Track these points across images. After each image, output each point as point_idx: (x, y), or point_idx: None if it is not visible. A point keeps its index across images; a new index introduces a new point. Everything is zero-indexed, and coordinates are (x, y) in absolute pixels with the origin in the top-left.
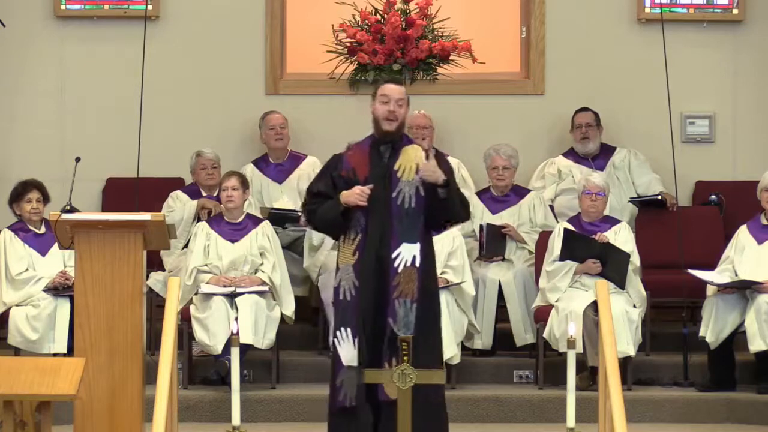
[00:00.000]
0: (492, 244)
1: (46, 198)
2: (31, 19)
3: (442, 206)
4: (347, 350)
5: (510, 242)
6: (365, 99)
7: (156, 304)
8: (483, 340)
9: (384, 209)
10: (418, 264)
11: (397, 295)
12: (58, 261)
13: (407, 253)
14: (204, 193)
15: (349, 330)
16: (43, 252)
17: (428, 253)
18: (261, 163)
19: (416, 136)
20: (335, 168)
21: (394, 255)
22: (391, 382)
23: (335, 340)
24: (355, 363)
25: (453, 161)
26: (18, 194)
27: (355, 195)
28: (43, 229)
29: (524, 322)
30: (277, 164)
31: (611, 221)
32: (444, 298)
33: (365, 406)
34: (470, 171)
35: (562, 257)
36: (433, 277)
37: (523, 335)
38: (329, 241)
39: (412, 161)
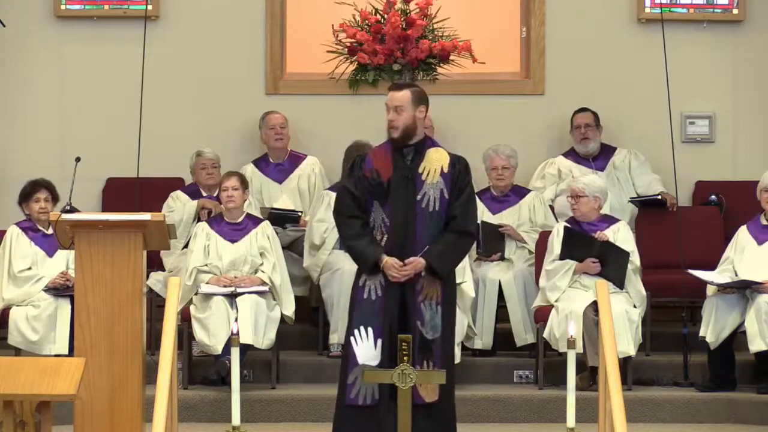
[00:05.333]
0: (488, 242)
1: (55, 198)
2: (31, 19)
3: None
4: (366, 349)
5: (510, 242)
6: (365, 99)
7: (156, 304)
8: (483, 341)
9: (407, 211)
10: None
11: (422, 298)
12: (64, 263)
13: None
14: (204, 193)
15: (370, 330)
16: (50, 253)
17: None
18: (261, 163)
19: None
20: (359, 168)
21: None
22: (391, 381)
23: (352, 338)
24: (374, 363)
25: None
26: (27, 194)
27: (393, 271)
28: (52, 230)
29: (524, 322)
30: (277, 164)
31: (610, 220)
32: None
33: (390, 405)
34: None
35: (563, 256)
36: (453, 278)
37: (523, 335)
38: (331, 241)
39: (437, 164)
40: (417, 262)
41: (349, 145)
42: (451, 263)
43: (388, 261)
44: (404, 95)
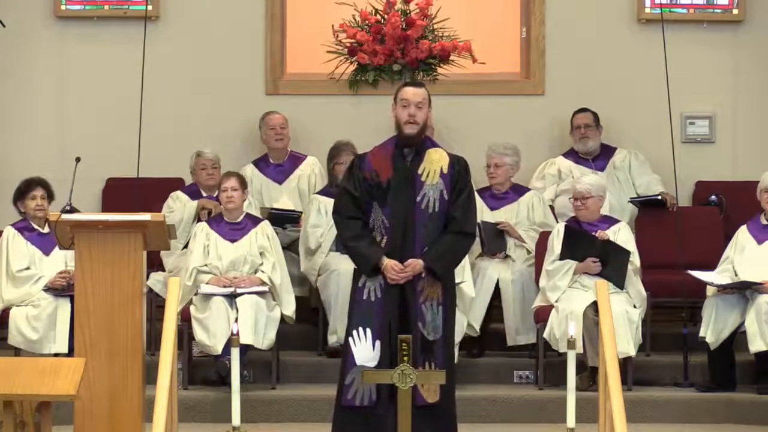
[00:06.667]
0: (491, 241)
1: (50, 195)
2: (31, 19)
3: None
4: (363, 350)
5: (508, 240)
6: (365, 99)
7: (156, 304)
8: (471, 328)
9: (407, 212)
10: None
11: (423, 299)
12: (61, 261)
13: None
14: (204, 194)
15: (368, 330)
16: (46, 252)
17: None
18: (261, 163)
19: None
20: (359, 169)
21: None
22: (391, 381)
23: (350, 338)
24: (372, 364)
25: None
26: (22, 192)
27: (393, 273)
28: (47, 229)
29: (522, 321)
30: (277, 164)
31: (610, 221)
32: None
33: (388, 407)
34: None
35: (563, 255)
36: (452, 279)
37: (514, 335)
38: (327, 243)
39: (437, 165)
40: (415, 263)
41: (332, 146)
42: (450, 264)
43: (388, 263)
44: (423, 92)
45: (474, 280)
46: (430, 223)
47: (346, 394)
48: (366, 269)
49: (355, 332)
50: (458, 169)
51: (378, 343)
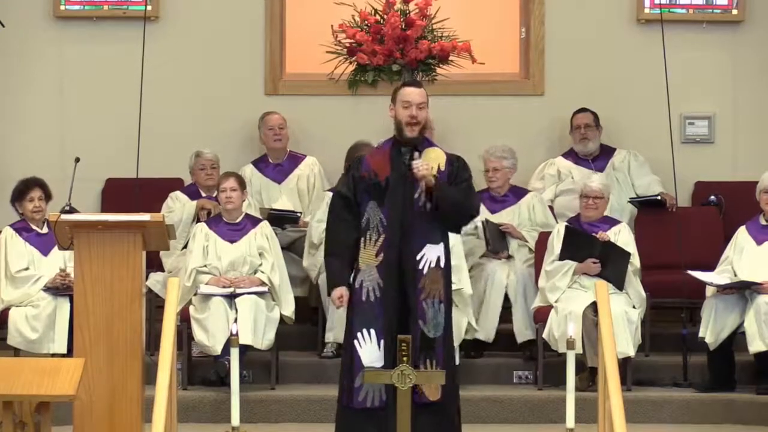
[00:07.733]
0: (495, 241)
1: (48, 196)
2: (31, 19)
3: (441, 206)
4: (370, 351)
5: (512, 241)
6: (364, 100)
7: (155, 304)
8: (485, 334)
9: (405, 210)
10: (442, 264)
11: (424, 297)
12: (60, 261)
13: (431, 254)
14: (203, 194)
15: (373, 331)
16: (45, 252)
17: (447, 253)
18: (260, 163)
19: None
20: (356, 170)
21: (418, 257)
22: (390, 382)
23: (355, 341)
24: (379, 364)
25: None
26: (20, 192)
27: (336, 300)
28: (45, 229)
29: (524, 320)
30: (277, 165)
31: (610, 222)
32: None
33: (393, 407)
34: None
35: (563, 256)
36: (450, 278)
37: (523, 331)
38: None
39: (434, 163)
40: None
41: (350, 145)
42: (450, 201)
43: (335, 293)
44: (423, 92)
45: (483, 284)
46: (427, 221)
47: (357, 396)
48: (329, 289)
49: (359, 335)
50: (456, 166)
51: (382, 342)
